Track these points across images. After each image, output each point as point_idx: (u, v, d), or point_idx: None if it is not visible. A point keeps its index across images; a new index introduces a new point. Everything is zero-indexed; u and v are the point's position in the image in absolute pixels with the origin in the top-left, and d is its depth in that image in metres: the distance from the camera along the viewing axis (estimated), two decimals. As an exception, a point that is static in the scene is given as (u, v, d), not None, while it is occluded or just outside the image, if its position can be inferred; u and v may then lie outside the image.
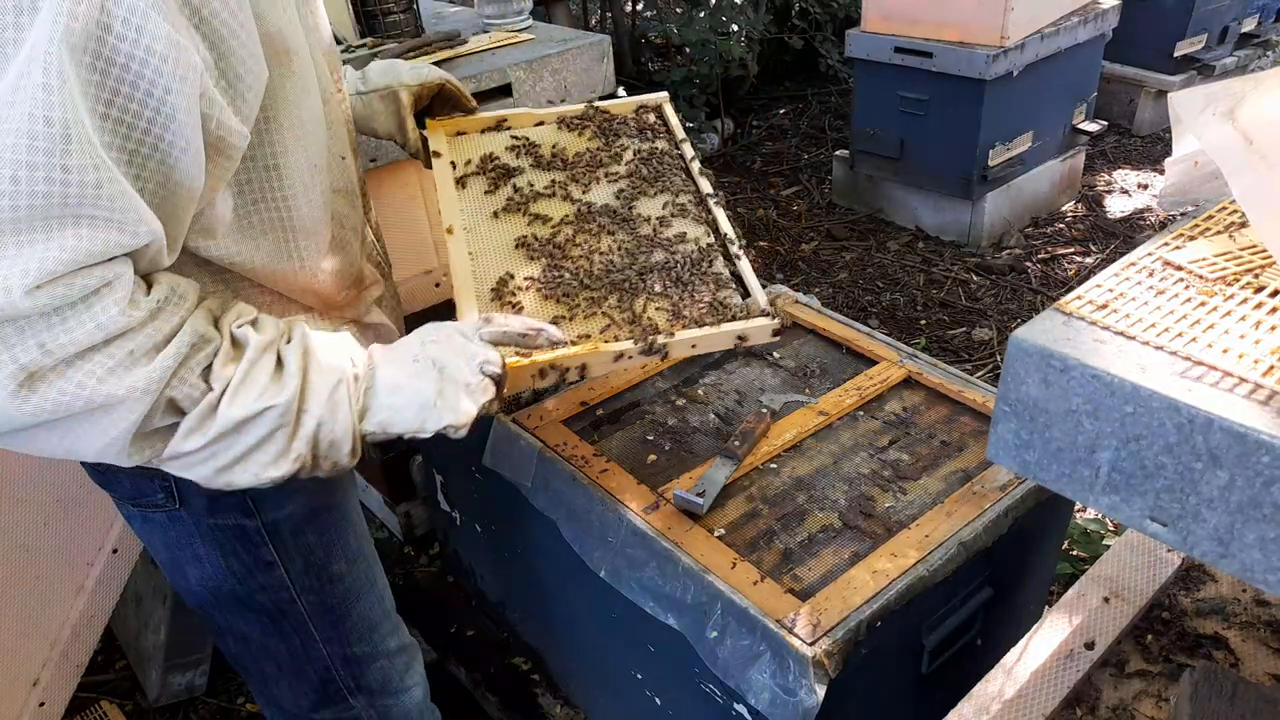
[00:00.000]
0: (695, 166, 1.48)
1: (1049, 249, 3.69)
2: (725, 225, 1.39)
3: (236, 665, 1.39)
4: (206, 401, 0.92)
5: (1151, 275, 0.88)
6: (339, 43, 2.08)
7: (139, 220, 0.85)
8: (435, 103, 1.50)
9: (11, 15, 0.77)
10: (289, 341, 1.00)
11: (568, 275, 1.30)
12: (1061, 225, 3.86)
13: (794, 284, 3.56)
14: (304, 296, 1.16)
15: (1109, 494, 0.78)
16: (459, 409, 1.02)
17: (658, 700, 1.55)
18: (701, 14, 4.62)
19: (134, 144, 0.85)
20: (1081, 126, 3.87)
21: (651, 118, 1.58)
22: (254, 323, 0.99)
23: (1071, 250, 3.68)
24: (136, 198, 0.85)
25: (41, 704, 1.71)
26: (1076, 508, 2.10)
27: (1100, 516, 2.33)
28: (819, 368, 1.75)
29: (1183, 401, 0.71)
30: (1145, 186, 4.10)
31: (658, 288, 1.29)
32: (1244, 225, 0.92)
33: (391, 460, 2.29)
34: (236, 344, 0.96)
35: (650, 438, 1.60)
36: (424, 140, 1.47)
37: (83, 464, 1.14)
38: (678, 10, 5.14)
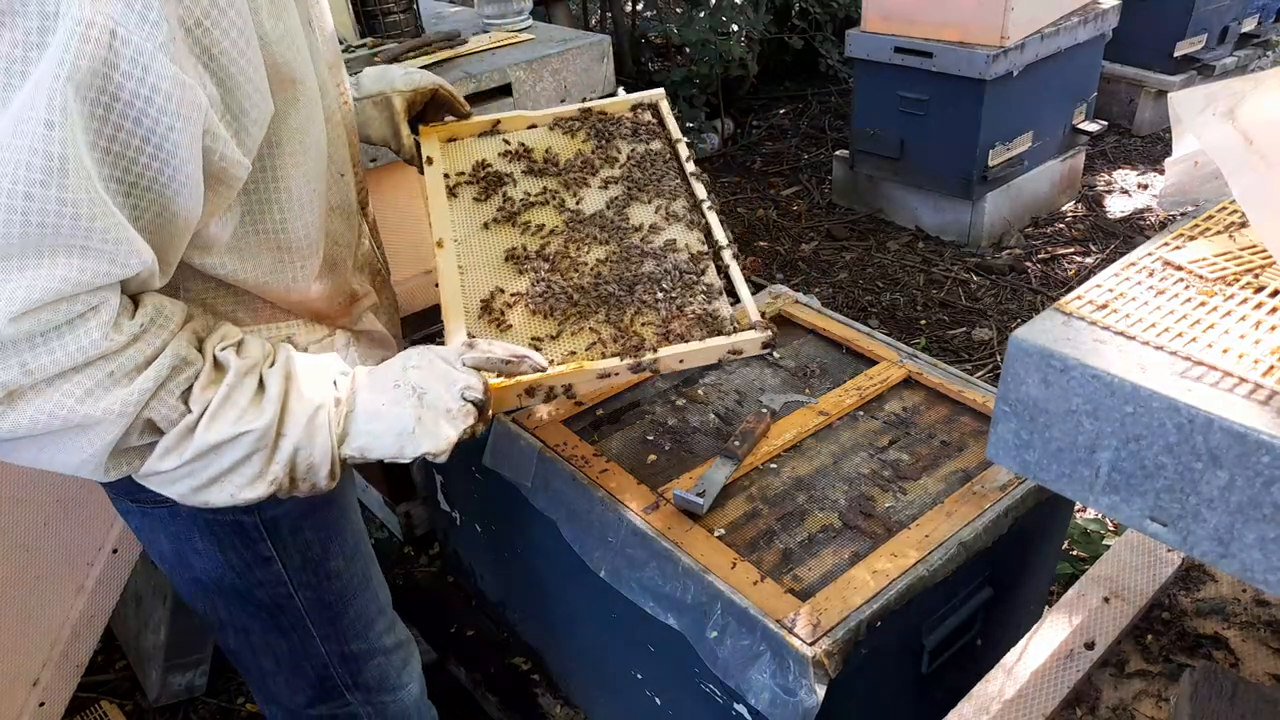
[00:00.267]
0: (690, 168, 1.47)
1: (1049, 249, 3.69)
2: (718, 232, 1.37)
3: (235, 661, 1.39)
4: (184, 423, 0.93)
5: (1151, 275, 0.88)
6: (339, 43, 2.08)
7: (131, 252, 0.86)
8: (429, 107, 1.50)
9: (20, 49, 0.78)
10: (272, 365, 1.00)
11: (556, 289, 1.29)
12: (1061, 225, 3.86)
13: (794, 284, 3.56)
14: (296, 308, 1.17)
15: (1109, 494, 0.78)
16: (438, 436, 1.02)
17: (658, 700, 1.55)
18: (701, 14, 4.62)
19: (133, 177, 0.86)
20: (1081, 126, 3.87)
21: (647, 116, 1.56)
22: (239, 345, 1.00)
23: (1071, 250, 3.68)
24: (130, 230, 0.86)
25: (41, 704, 1.71)
26: (1076, 508, 2.10)
27: (1100, 516, 2.33)
28: (819, 368, 1.75)
29: (1183, 401, 0.71)
30: (1145, 186, 4.10)
31: (646, 300, 1.27)
32: (1244, 225, 0.92)
33: (391, 460, 2.29)
34: (219, 367, 0.97)
35: (650, 438, 1.60)
36: (418, 145, 1.47)
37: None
38: (678, 10, 5.14)
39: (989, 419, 1.01)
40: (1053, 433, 0.80)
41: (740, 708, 1.30)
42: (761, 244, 3.90)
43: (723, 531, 1.39)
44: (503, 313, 1.27)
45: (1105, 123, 3.99)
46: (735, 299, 1.30)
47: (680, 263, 1.32)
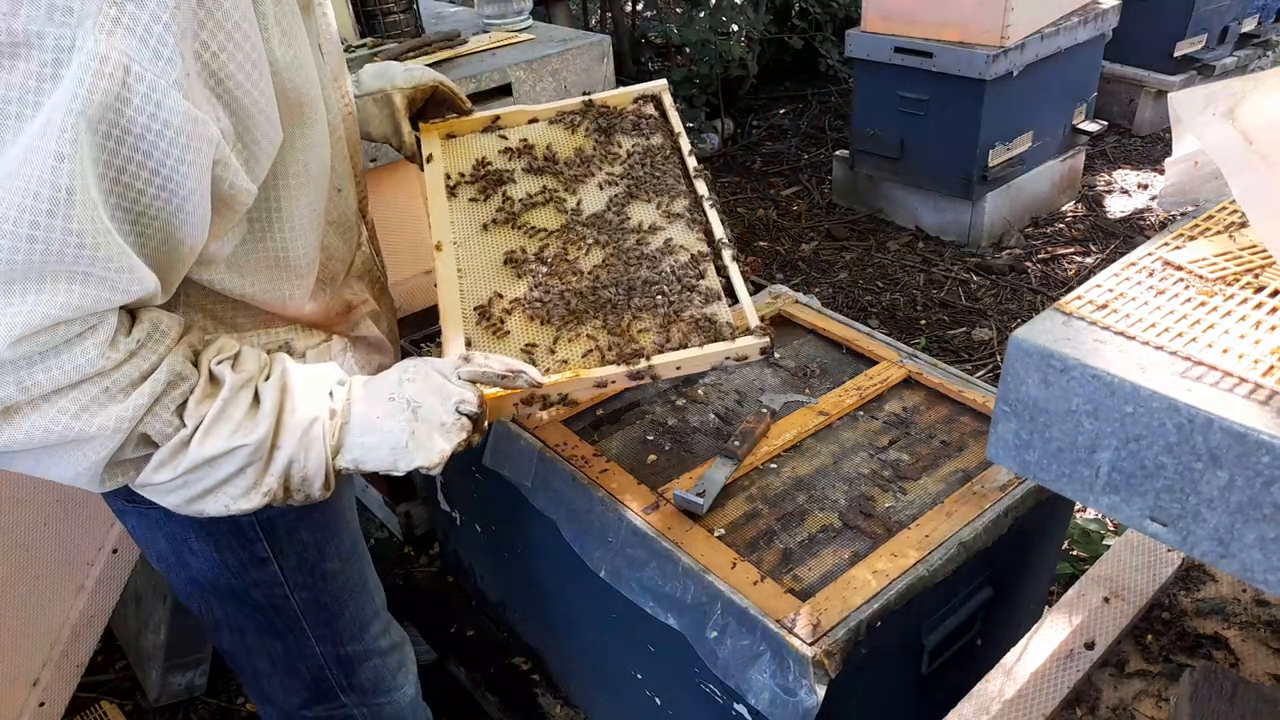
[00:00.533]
0: (691, 163, 1.45)
1: (1049, 249, 3.69)
2: (719, 232, 1.36)
3: (230, 662, 1.39)
4: (179, 437, 0.94)
5: (1151, 275, 0.88)
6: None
7: (133, 280, 0.87)
8: (430, 105, 1.50)
9: (34, 80, 0.79)
10: (268, 378, 1.01)
11: (554, 294, 1.28)
12: (1061, 225, 3.86)
13: (794, 284, 3.56)
14: (293, 317, 1.18)
15: (1109, 494, 0.78)
16: (432, 450, 1.02)
17: (658, 700, 1.55)
18: (701, 14, 4.62)
19: (141, 208, 0.87)
20: (1081, 126, 3.87)
21: (650, 109, 1.55)
22: (235, 358, 1.00)
23: (1071, 250, 3.68)
24: (133, 258, 0.87)
25: (41, 704, 1.71)
26: (1076, 508, 2.09)
27: (1100, 516, 2.33)
28: (819, 368, 1.75)
29: (1183, 401, 0.71)
30: (1145, 186, 4.10)
31: (645, 305, 1.26)
32: (1244, 225, 0.92)
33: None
34: (214, 381, 0.97)
35: (650, 438, 1.60)
36: (418, 142, 1.46)
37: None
38: (678, 10, 5.14)
39: (989, 419, 1.01)
40: (1053, 433, 0.80)
41: (740, 708, 1.30)
42: (761, 244, 3.90)
43: (723, 531, 1.39)
44: (501, 320, 1.26)
45: (1105, 123, 3.99)
46: (735, 301, 1.30)
47: (679, 265, 1.31)
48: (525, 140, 1.48)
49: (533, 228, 1.37)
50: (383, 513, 2.48)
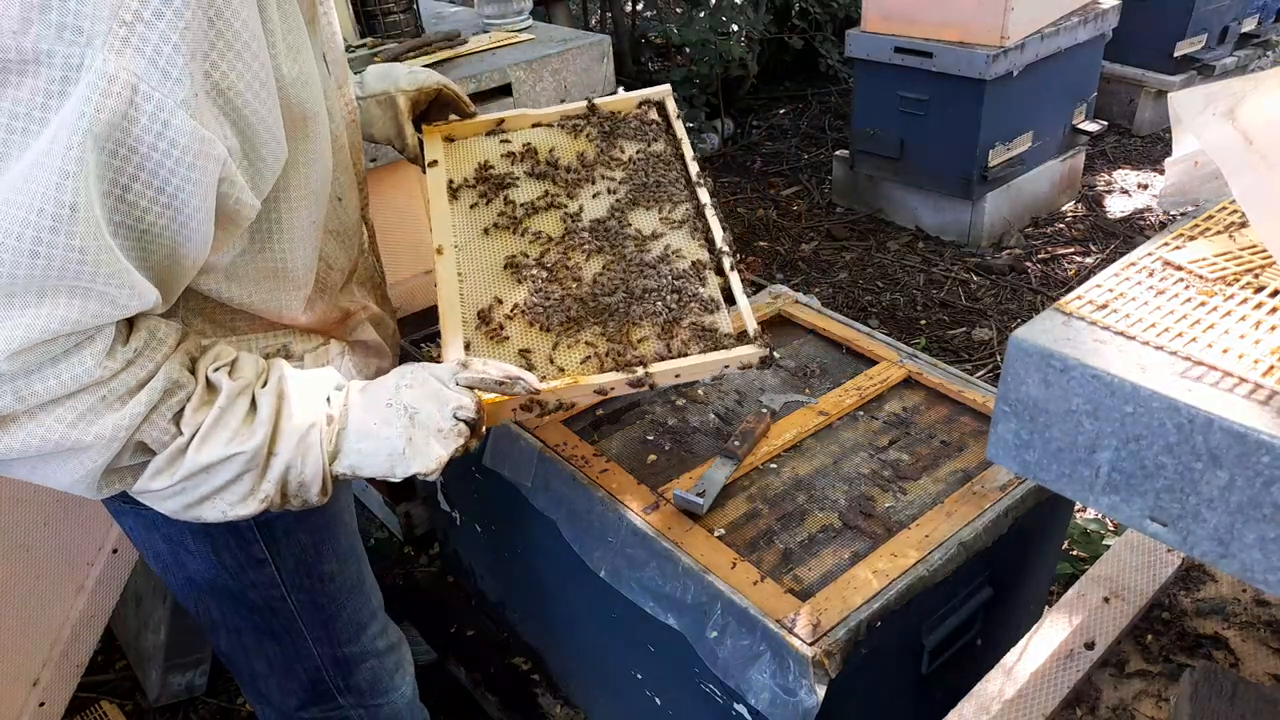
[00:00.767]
0: (694, 169, 1.45)
1: (1049, 249, 3.69)
2: (720, 240, 1.35)
3: (227, 662, 1.39)
4: (175, 445, 0.94)
5: (1151, 275, 0.88)
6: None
7: (133, 295, 0.88)
8: (433, 107, 1.50)
9: (41, 97, 0.79)
10: (264, 385, 1.01)
11: (555, 300, 1.28)
12: (1061, 225, 3.86)
13: (794, 284, 3.56)
14: (289, 326, 1.18)
15: (1109, 494, 0.78)
16: (429, 456, 1.02)
17: (658, 700, 1.55)
18: (701, 14, 4.62)
19: (145, 226, 0.87)
20: (1081, 126, 3.87)
21: (653, 114, 1.56)
22: (232, 365, 1.00)
23: (1071, 250, 3.68)
24: (134, 274, 0.87)
25: (41, 704, 1.71)
26: (1076, 508, 2.10)
27: (1100, 516, 2.33)
28: (819, 368, 1.75)
29: (1183, 401, 0.71)
30: (1145, 186, 4.10)
31: (645, 313, 1.26)
32: (1244, 225, 0.92)
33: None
34: (211, 388, 0.97)
35: (650, 438, 1.60)
36: (421, 144, 1.46)
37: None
38: (678, 10, 5.14)
39: (989, 419, 1.01)
40: (1053, 433, 0.80)
41: (740, 708, 1.30)
42: (761, 244, 3.90)
43: (723, 531, 1.39)
44: (501, 325, 1.26)
45: (1105, 123, 3.99)
46: (736, 308, 1.29)
47: (680, 273, 1.31)
48: (528, 144, 1.48)
49: (534, 233, 1.37)
50: (383, 513, 2.48)
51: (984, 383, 1.65)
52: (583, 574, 1.48)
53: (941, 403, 1.64)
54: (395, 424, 1.02)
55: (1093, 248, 3.68)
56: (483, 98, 2.07)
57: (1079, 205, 4.01)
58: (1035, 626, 1.31)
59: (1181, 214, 0.99)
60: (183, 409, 0.94)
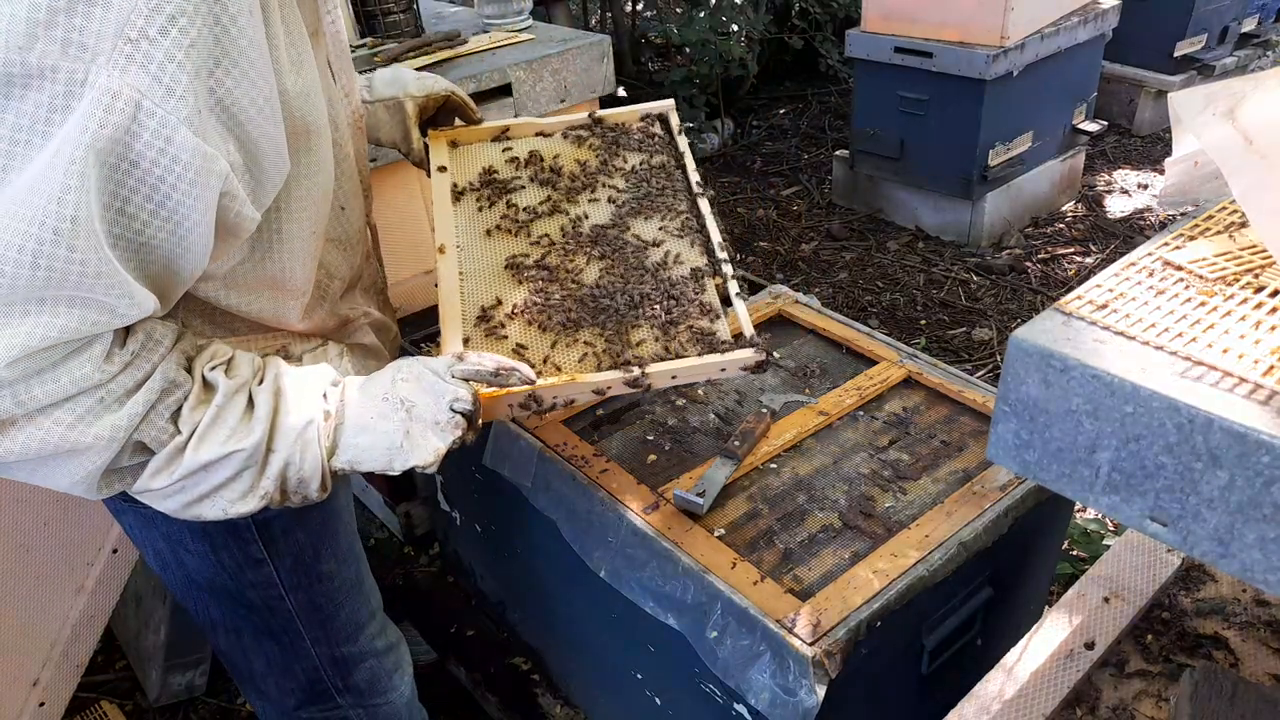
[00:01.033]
0: (694, 179, 1.47)
1: (1049, 249, 3.69)
2: (719, 248, 1.36)
3: (226, 662, 1.39)
4: (174, 444, 0.94)
5: (1151, 275, 0.88)
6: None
7: (131, 304, 0.88)
8: (440, 112, 1.51)
9: (45, 111, 0.80)
10: (261, 382, 1.01)
11: (554, 301, 1.29)
12: (1061, 225, 3.86)
13: (794, 284, 3.55)
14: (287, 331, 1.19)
15: (1109, 494, 0.78)
16: (426, 449, 1.03)
17: (658, 700, 1.55)
18: (701, 14, 4.62)
19: (144, 238, 0.88)
20: (1081, 126, 3.87)
21: (656, 128, 1.57)
22: (228, 364, 1.01)
23: (1071, 250, 3.68)
24: (134, 284, 0.88)
25: (41, 704, 1.71)
26: (1076, 508, 2.10)
27: (1100, 516, 2.33)
28: (819, 368, 1.75)
29: (1183, 401, 0.71)
30: (1145, 186, 4.10)
31: (643, 315, 1.27)
32: (1244, 225, 0.92)
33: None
34: (208, 387, 0.98)
35: (650, 438, 1.60)
36: (427, 149, 1.47)
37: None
38: (678, 10, 5.14)
39: (989, 419, 1.01)
40: (1053, 433, 0.80)
41: (740, 708, 1.30)
42: (761, 244, 3.90)
43: (723, 531, 1.39)
44: (501, 324, 1.27)
45: (1105, 123, 3.99)
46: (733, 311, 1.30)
47: (679, 278, 1.32)
48: (531, 153, 1.50)
49: (535, 237, 1.38)
50: (383, 513, 2.48)
51: (984, 383, 1.65)
52: (583, 574, 1.48)
53: (941, 403, 1.64)
54: (392, 418, 1.02)
55: (1093, 248, 3.68)
56: (483, 98, 2.07)
57: (1079, 205, 4.01)
58: (1035, 626, 1.31)
59: (1181, 214, 0.99)
60: (180, 408, 0.95)
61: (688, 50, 4.78)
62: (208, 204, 0.89)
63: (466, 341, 1.24)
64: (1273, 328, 0.78)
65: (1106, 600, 1.34)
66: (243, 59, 0.87)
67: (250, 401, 0.99)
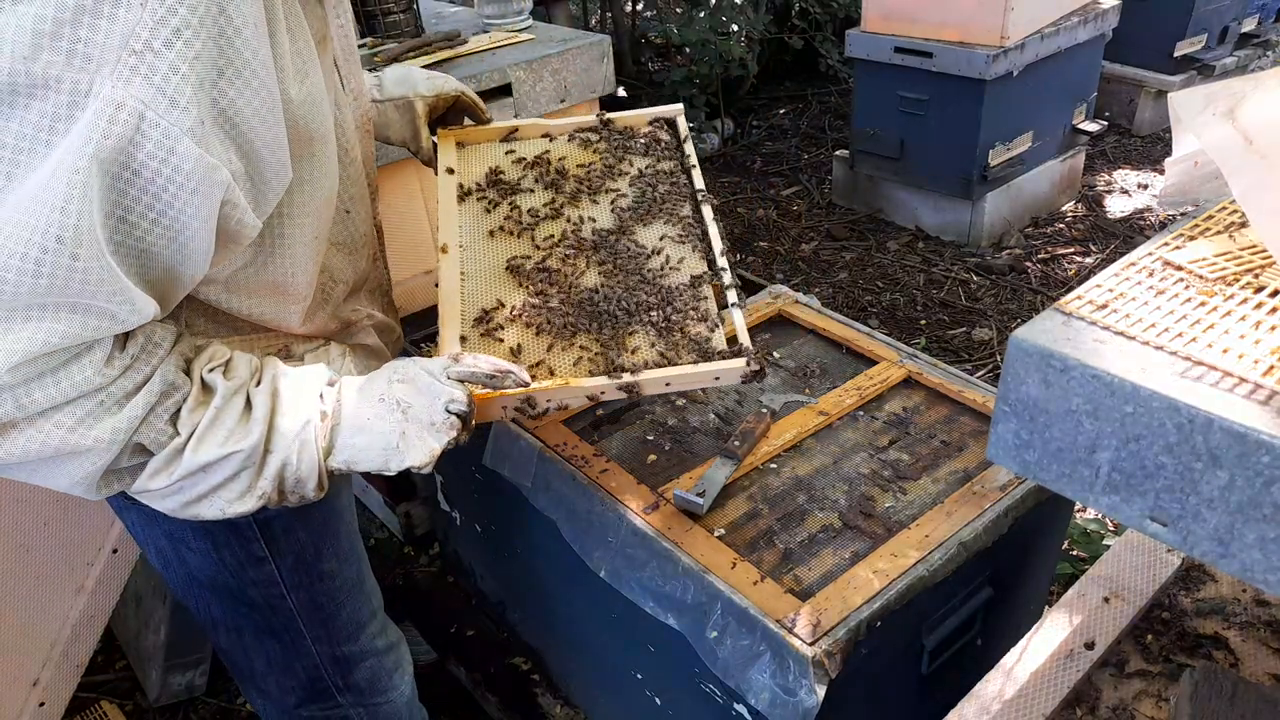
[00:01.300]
0: (699, 184, 1.47)
1: (1049, 249, 3.69)
2: (720, 257, 1.36)
3: (226, 660, 1.40)
4: (173, 446, 0.95)
5: (1151, 275, 0.88)
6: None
7: (132, 311, 0.89)
8: (449, 112, 1.52)
9: (49, 120, 0.80)
10: (259, 384, 1.02)
11: (553, 305, 1.29)
12: (1061, 225, 3.86)
13: (794, 284, 3.55)
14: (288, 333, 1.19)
15: (1109, 494, 0.78)
16: (422, 449, 1.03)
17: (658, 700, 1.55)
18: (701, 14, 4.62)
19: (145, 246, 0.88)
20: (1081, 126, 3.87)
21: (664, 133, 1.57)
22: (226, 365, 1.01)
23: (1071, 250, 3.68)
24: (135, 291, 0.88)
25: (41, 704, 1.71)
26: (1076, 508, 2.10)
27: (1100, 516, 2.33)
28: (819, 368, 1.75)
29: (1183, 401, 0.71)
30: (1145, 186, 4.10)
31: (640, 321, 1.27)
32: (1244, 225, 0.92)
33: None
34: (206, 389, 0.98)
35: (650, 438, 1.60)
36: (434, 149, 1.47)
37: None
38: (678, 10, 5.14)
39: (989, 419, 1.01)
40: (1053, 433, 0.80)
41: (740, 708, 1.30)
42: (761, 244, 3.90)
43: (723, 531, 1.39)
44: (499, 325, 1.27)
45: (1105, 123, 3.99)
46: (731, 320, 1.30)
47: (678, 286, 1.33)
48: (538, 154, 1.50)
49: (538, 239, 1.38)
50: (383, 513, 2.48)
51: (984, 383, 1.65)
52: (583, 574, 1.48)
53: (941, 403, 1.64)
54: (389, 418, 1.03)
55: (1093, 248, 3.68)
56: (483, 98, 2.06)
57: (1079, 205, 4.01)
58: (1035, 626, 1.31)
59: (1181, 214, 0.99)
60: (179, 410, 0.96)
61: (688, 50, 4.78)
62: (209, 213, 0.90)
63: (464, 342, 1.24)
64: (1273, 328, 0.78)
65: (1106, 600, 1.34)
66: (246, 69, 0.87)
67: (248, 403, 1.00)
